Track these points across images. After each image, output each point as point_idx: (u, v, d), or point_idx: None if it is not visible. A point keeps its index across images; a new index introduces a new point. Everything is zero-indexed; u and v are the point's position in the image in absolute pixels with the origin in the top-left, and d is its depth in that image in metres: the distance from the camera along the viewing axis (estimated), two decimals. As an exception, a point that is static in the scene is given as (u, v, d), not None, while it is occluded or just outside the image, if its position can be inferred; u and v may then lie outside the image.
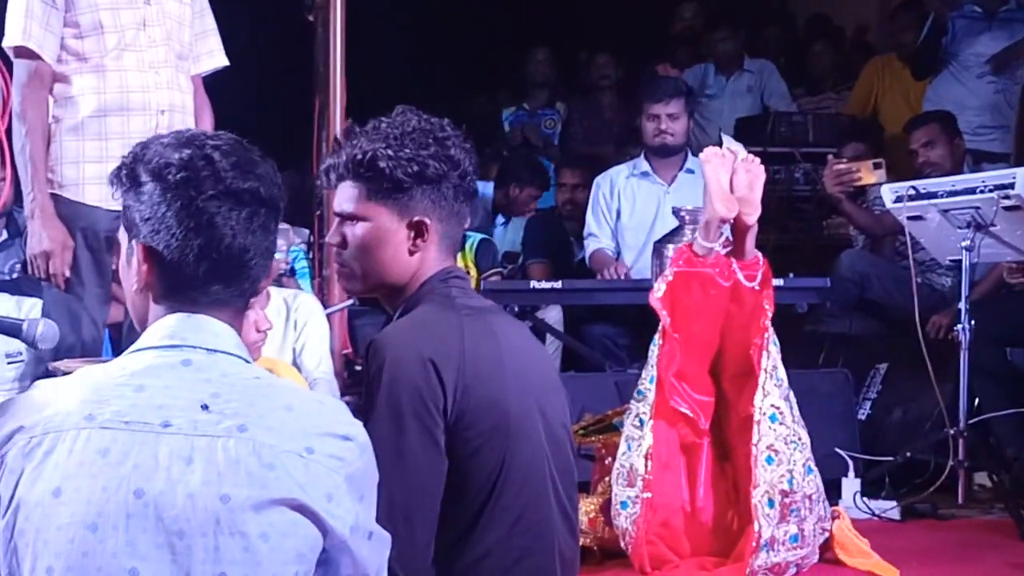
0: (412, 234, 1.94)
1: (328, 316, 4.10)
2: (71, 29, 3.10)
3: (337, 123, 4.39)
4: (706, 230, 2.91)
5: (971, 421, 3.57)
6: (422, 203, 1.93)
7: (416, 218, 1.94)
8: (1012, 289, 4.20)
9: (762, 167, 3.03)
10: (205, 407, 1.32)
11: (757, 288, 2.89)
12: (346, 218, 1.97)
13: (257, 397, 1.35)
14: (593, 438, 3.21)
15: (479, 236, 5.18)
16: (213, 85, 3.52)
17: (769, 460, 2.78)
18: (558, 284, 4.08)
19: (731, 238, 2.99)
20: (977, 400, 3.84)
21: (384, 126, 1.95)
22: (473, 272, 5.05)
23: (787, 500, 2.75)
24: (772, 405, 2.82)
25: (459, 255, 5.04)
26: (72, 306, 3.10)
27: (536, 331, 4.56)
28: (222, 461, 1.29)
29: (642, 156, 4.64)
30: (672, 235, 3.89)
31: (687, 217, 3.79)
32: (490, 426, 1.84)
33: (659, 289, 2.90)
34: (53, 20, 3.07)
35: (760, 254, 3.01)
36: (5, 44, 3.12)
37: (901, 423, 4.06)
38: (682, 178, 4.55)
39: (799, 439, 2.82)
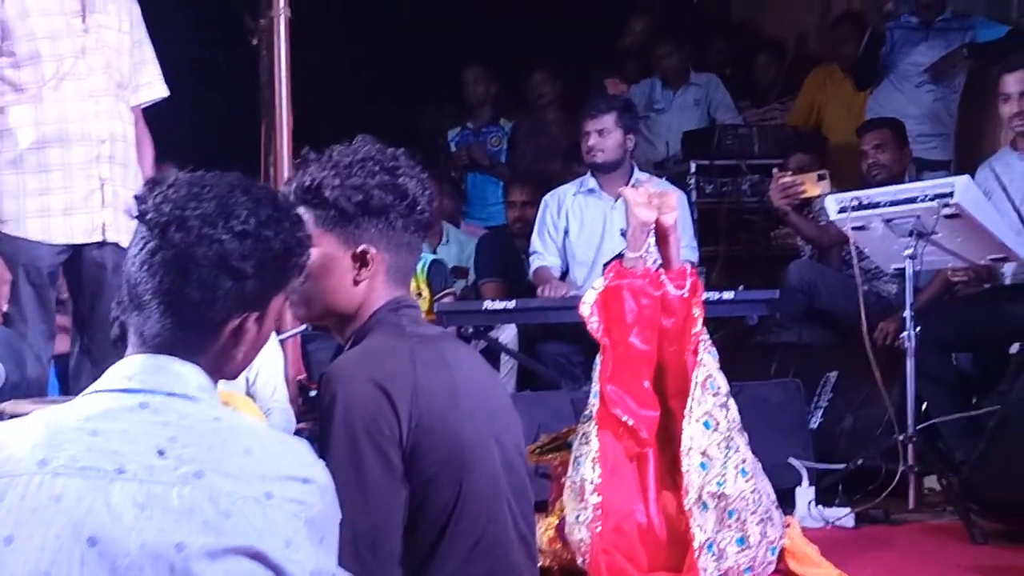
0: (357, 264, 1.94)
1: (281, 343, 4.09)
2: (6, 59, 3.08)
3: (284, 146, 4.39)
4: (632, 240, 2.95)
5: (920, 426, 3.64)
6: (368, 233, 1.93)
7: (361, 248, 1.93)
8: (956, 295, 4.28)
9: (674, 196, 3.09)
10: (161, 452, 1.31)
11: (686, 296, 2.91)
12: None
13: (215, 441, 1.34)
14: (550, 456, 3.23)
15: (430, 257, 5.19)
16: (158, 110, 3.50)
17: (703, 466, 2.81)
18: (511, 304, 4.10)
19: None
20: (925, 405, 3.91)
21: (335, 154, 1.96)
22: (426, 293, 5.06)
23: (722, 503, 2.77)
24: (705, 412, 2.85)
25: (412, 276, 5.10)
26: (15, 344, 3.06)
27: (490, 351, 4.59)
28: (177, 508, 1.27)
29: (588, 173, 4.68)
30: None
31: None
32: (445, 454, 1.84)
33: (587, 301, 2.93)
34: None
35: (689, 264, 3.07)
36: None
37: (852, 430, 4.11)
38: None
39: (735, 445, 2.85)
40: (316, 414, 1.93)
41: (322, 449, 1.83)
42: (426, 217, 2.00)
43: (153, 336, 1.40)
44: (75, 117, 3.11)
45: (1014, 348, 4.06)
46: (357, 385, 1.82)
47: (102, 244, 3.21)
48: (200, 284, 1.38)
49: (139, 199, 1.43)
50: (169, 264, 1.38)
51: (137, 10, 3.35)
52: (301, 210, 1.92)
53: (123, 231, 3.17)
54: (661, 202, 2.94)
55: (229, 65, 5.02)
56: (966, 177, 3.70)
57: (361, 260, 1.94)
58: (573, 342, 4.33)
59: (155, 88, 3.39)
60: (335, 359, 1.98)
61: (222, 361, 1.44)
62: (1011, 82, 4.04)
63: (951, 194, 3.56)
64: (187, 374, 1.39)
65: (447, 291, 5.08)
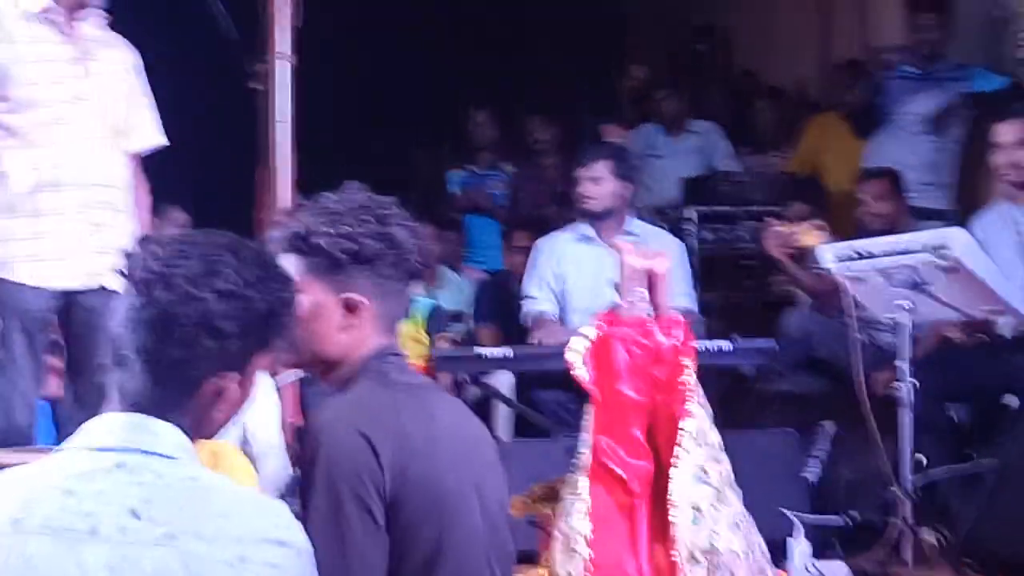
0: (345, 312, 1.95)
1: (278, 387, 4.08)
2: (2, 104, 3.08)
3: (288, 190, 4.39)
4: (624, 289, 2.94)
5: (915, 479, 3.61)
6: (357, 281, 1.94)
7: (350, 296, 1.94)
8: (954, 345, 4.27)
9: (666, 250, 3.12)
10: (135, 514, 1.30)
11: (677, 345, 2.91)
12: None
13: (191, 502, 1.33)
14: (541, 505, 3.21)
15: (430, 302, 5.19)
16: (160, 155, 3.51)
17: (694, 521, 2.79)
18: (508, 352, 4.09)
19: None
20: (921, 457, 3.89)
21: (326, 202, 1.97)
22: (425, 339, 5.05)
23: (713, 559, 2.75)
24: (696, 465, 2.83)
25: (410, 322, 5.12)
26: (3, 390, 3.06)
27: (486, 397, 4.58)
28: (150, 572, 1.27)
29: (585, 220, 4.68)
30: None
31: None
32: (425, 505, 1.84)
33: (576, 349, 2.91)
34: None
35: (681, 312, 3.07)
36: None
37: (849, 481, 4.09)
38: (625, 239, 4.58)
39: (727, 500, 2.83)
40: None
41: (303, 500, 1.83)
42: (416, 266, 2.01)
43: (133, 393, 1.40)
44: (69, 162, 3.12)
45: (1011, 401, 4.04)
46: (341, 436, 1.82)
47: (96, 290, 3.20)
48: (181, 343, 1.38)
49: (127, 256, 1.44)
50: (152, 322, 1.39)
51: (136, 58, 3.37)
52: (291, 257, 1.94)
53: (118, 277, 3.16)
54: (652, 252, 2.95)
55: (231, 109, 5.05)
56: (962, 229, 3.70)
57: (350, 308, 1.95)
58: (569, 389, 4.30)
59: (151, 136, 3.40)
60: (321, 407, 1.98)
61: (202, 420, 1.44)
62: (1003, 132, 4.06)
63: (947, 245, 3.56)
64: (165, 433, 1.39)
65: (444, 335, 5.08)
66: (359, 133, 6.45)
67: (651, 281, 2.93)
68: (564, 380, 4.30)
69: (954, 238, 3.56)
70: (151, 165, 3.51)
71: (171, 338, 1.38)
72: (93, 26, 3.23)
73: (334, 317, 1.94)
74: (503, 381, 4.72)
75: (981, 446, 4.04)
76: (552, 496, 3.19)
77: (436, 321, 5.11)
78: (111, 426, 1.39)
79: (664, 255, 3.00)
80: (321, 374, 2.02)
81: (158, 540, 1.28)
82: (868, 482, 3.95)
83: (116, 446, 1.37)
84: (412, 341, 5.05)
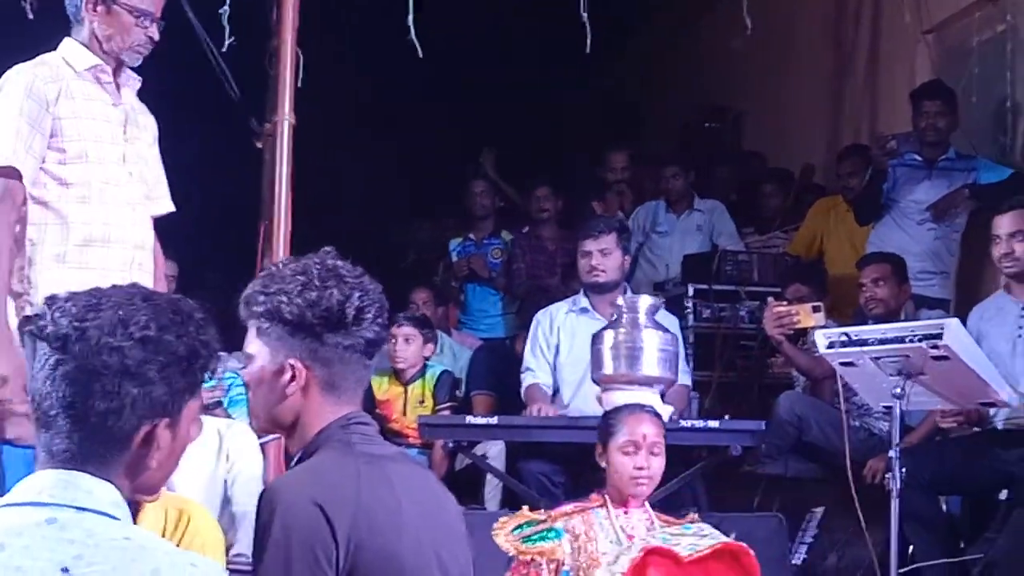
0: (287, 377, 1.94)
1: (262, 446, 4.05)
2: (55, 154, 3.11)
3: (282, 250, 4.41)
4: None
5: (903, 570, 3.55)
6: (298, 347, 1.93)
7: (289, 361, 1.93)
8: (947, 436, 4.22)
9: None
10: (65, 570, 1.28)
11: None
12: (247, 356, 1.98)
13: (123, 560, 1.31)
14: (531, 548, 3.19)
15: (440, 368, 5.19)
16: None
17: None
18: (494, 420, 4.07)
19: None
20: (912, 548, 3.83)
21: (281, 267, 1.98)
22: (430, 403, 5.04)
23: None
24: None
25: (419, 383, 5.12)
26: None
27: (473, 466, 4.54)
28: None
29: (581, 292, 4.68)
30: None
31: None
32: None
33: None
34: (37, 144, 3.08)
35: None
36: None
37: (836, 569, 4.03)
38: (621, 314, 4.56)
39: None
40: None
41: (255, 566, 1.81)
42: (372, 336, 1.97)
43: (62, 451, 1.39)
44: (117, 221, 3.15)
45: (1003, 494, 3.99)
46: (297, 505, 1.80)
47: None
48: (104, 394, 1.37)
49: (37, 316, 1.43)
50: (72, 376, 1.38)
51: (155, 126, 3.42)
52: (250, 321, 1.94)
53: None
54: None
55: (234, 167, 5.09)
56: (955, 320, 3.68)
57: (289, 374, 1.94)
58: (555, 461, 4.28)
59: (166, 203, 3.46)
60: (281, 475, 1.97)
61: (136, 472, 1.42)
62: (1002, 224, 4.05)
63: (940, 335, 3.53)
64: (98, 490, 1.38)
65: (448, 404, 5.06)
66: (359, 200, 6.51)
67: None
68: (550, 451, 4.32)
69: (947, 328, 3.53)
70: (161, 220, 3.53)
71: (94, 390, 1.37)
72: (130, 91, 3.29)
73: (276, 382, 1.94)
74: (494, 450, 4.69)
75: (972, 540, 3.97)
76: (543, 535, 3.23)
77: (443, 388, 5.10)
78: (43, 483, 1.38)
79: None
80: (285, 439, 2.01)
81: None
82: (855, 570, 3.89)
83: (48, 501, 1.35)
84: (417, 404, 5.05)
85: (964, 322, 4.08)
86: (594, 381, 3.91)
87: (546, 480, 4.26)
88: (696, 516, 3.32)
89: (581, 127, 7.19)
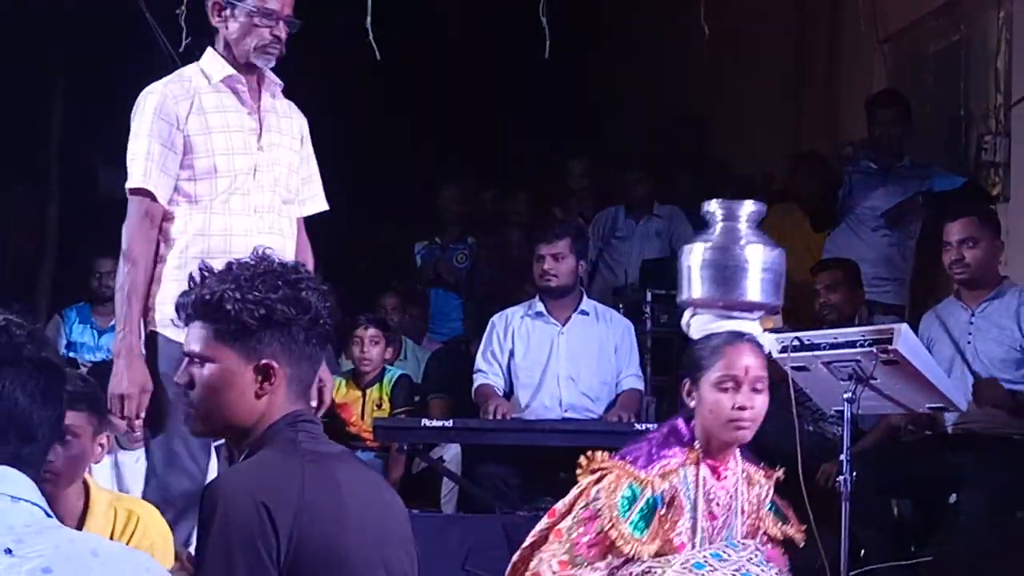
0: (259, 378, 1.94)
1: (216, 448, 4.04)
2: (185, 171, 3.11)
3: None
4: None
5: (853, 573, 3.59)
6: (270, 347, 1.94)
7: (263, 361, 1.94)
8: (898, 440, 4.27)
9: None
10: (8, 551, 1.33)
11: None
12: (194, 358, 1.97)
13: (62, 541, 1.36)
14: None
15: (398, 371, 5.20)
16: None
17: None
18: (450, 423, 4.08)
19: None
20: (863, 551, 3.86)
21: (236, 268, 1.99)
22: (387, 407, 5.04)
23: None
24: None
25: (377, 387, 5.13)
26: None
27: (430, 469, 4.55)
28: None
29: (537, 297, 4.70)
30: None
31: None
32: (327, 574, 1.82)
33: None
34: (170, 163, 3.08)
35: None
36: (127, 185, 3.11)
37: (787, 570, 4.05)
38: (576, 319, 4.61)
39: None
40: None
41: (197, 561, 1.82)
42: (327, 329, 2.01)
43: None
44: (239, 231, 3.11)
45: (952, 498, 4.04)
46: (239, 501, 1.81)
47: None
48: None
49: None
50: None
51: (306, 126, 3.37)
52: (198, 324, 1.94)
53: None
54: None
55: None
56: (905, 325, 3.72)
57: (264, 374, 1.94)
58: (510, 463, 4.30)
59: (319, 202, 3.41)
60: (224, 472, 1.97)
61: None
62: (953, 231, 4.11)
63: (890, 340, 3.57)
64: (23, 483, 1.42)
65: (406, 408, 5.07)
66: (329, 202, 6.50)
67: None
68: (506, 454, 4.34)
69: (898, 333, 3.57)
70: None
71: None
72: (270, 96, 3.25)
73: (248, 384, 1.94)
74: (451, 452, 4.70)
75: (922, 542, 4.02)
76: None
77: (401, 391, 5.11)
78: None
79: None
80: (232, 441, 2.02)
81: (32, 572, 1.31)
82: (806, 572, 3.92)
83: None
84: (375, 407, 5.05)
85: (917, 328, 4.14)
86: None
87: (501, 483, 4.28)
88: (781, 474, 3.06)
89: (542, 130, 7.21)
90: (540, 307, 4.67)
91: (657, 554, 2.71)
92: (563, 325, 4.60)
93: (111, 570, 1.34)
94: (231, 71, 3.15)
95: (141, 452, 4.04)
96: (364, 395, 5.10)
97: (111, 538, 2.60)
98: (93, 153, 6.66)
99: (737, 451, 2.85)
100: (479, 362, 4.68)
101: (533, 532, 2.79)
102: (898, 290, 5.38)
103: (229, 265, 2.00)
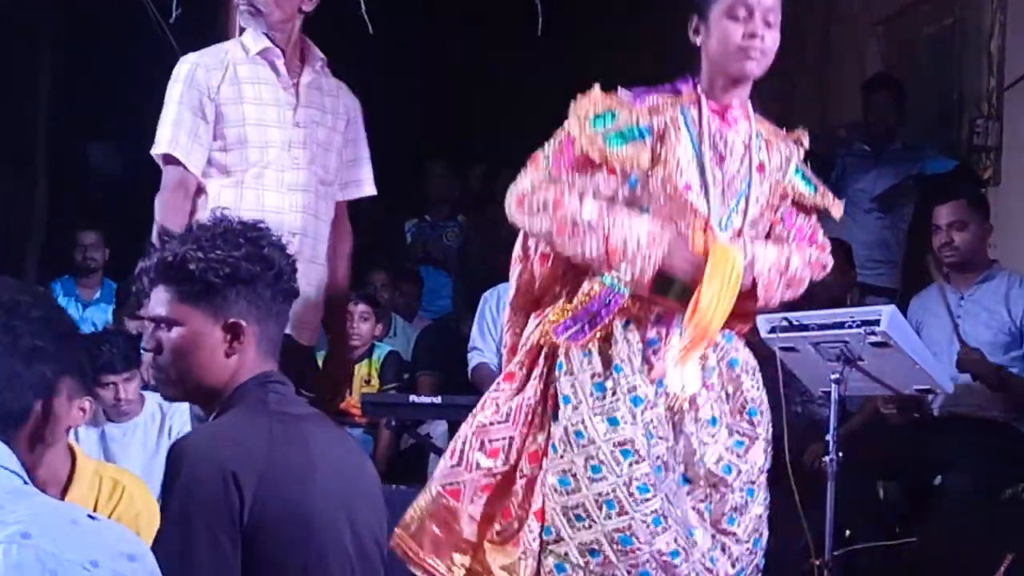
0: (228, 336, 1.94)
1: (194, 415, 4.04)
2: (218, 142, 3.08)
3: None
4: None
5: (837, 552, 3.60)
6: (237, 305, 1.94)
7: (231, 320, 1.94)
8: (885, 422, 4.28)
9: None
10: None
11: None
12: (159, 322, 1.96)
13: (41, 509, 1.37)
14: None
15: (388, 348, 5.19)
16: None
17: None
18: (437, 399, 4.08)
19: None
20: (848, 532, 3.88)
21: (196, 229, 1.99)
22: (376, 383, 5.04)
23: None
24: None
25: (366, 363, 5.11)
26: None
27: (418, 446, 4.55)
28: (3, 566, 1.29)
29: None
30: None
31: None
32: (291, 536, 1.83)
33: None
34: (202, 131, 3.06)
35: None
36: (153, 151, 3.08)
37: (771, 552, 4.06)
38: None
39: None
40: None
41: (161, 519, 1.85)
42: (292, 286, 2.02)
43: None
44: (271, 207, 3.06)
45: (938, 480, 4.05)
46: (203, 464, 1.81)
47: None
48: None
49: None
50: None
51: (358, 108, 3.33)
52: (161, 288, 1.93)
53: (304, 326, 3.12)
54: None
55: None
56: (892, 306, 3.73)
57: (233, 332, 1.94)
58: (498, 443, 4.29)
59: (363, 187, 3.36)
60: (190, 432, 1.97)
61: (32, 445, 1.48)
62: (942, 214, 4.11)
63: (878, 322, 3.58)
64: (3, 451, 1.42)
65: (394, 384, 5.07)
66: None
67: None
68: (494, 432, 4.32)
69: (886, 315, 3.58)
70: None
71: None
72: (312, 73, 3.20)
73: (217, 343, 1.94)
74: (438, 430, 4.70)
75: (907, 524, 4.04)
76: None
77: (391, 368, 5.10)
78: None
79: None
80: (203, 402, 2.01)
81: (12, 538, 1.31)
82: (790, 553, 3.93)
83: None
84: (363, 383, 5.04)
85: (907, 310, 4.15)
86: None
87: (489, 460, 4.27)
88: (805, 136, 2.78)
89: (537, 111, 7.19)
90: (530, 282, 4.65)
91: (663, 186, 2.45)
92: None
93: (90, 540, 1.35)
94: (267, 45, 3.11)
95: (129, 424, 4.05)
96: (353, 371, 5.09)
97: (95, 507, 2.60)
98: (81, 127, 6.62)
99: (749, 105, 2.61)
100: (475, 339, 4.67)
101: None
102: (891, 272, 5.39)
103: (189, 227, 2.02)
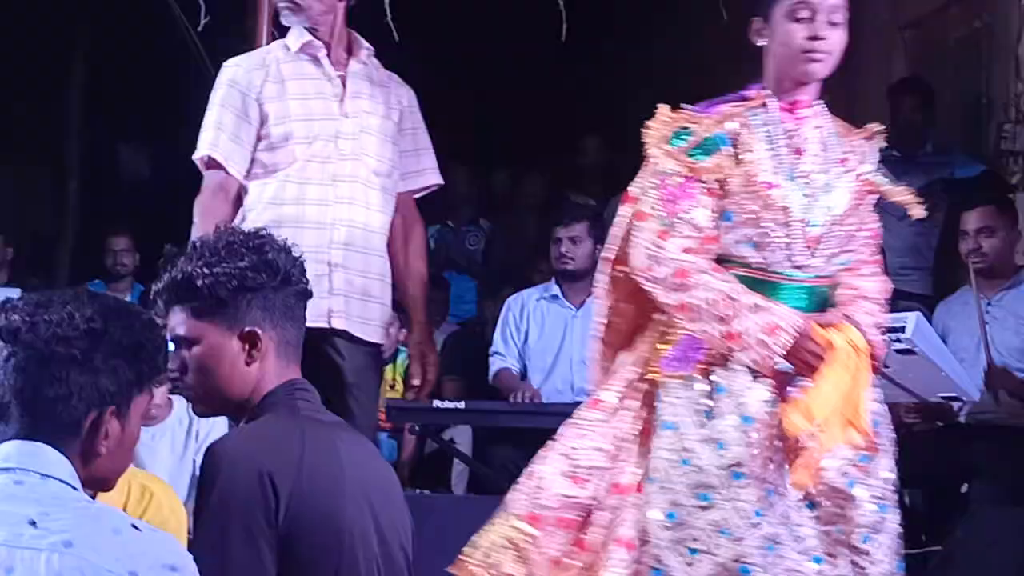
0: (246, 346, 1.97)
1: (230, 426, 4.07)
2: (263, 142, 3.05)
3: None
4: None
5: (862, 561, 3.58)
6: (249, 314, 1.97)
7: (247, 329, 1.97)
8: (910, 430, 4.25)
9: None
10: (33, 523, 1.37)
11: None
12: (181, 343, 2.00)
13: (86, 518, 1.40)
14: None
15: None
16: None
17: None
18: (461, 404, 4.09)
19: None
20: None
21: (199, 245, 2.02)
22: (400, 387, 5.04)
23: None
24: None
25: (391, 368, 5.12)
26: None
27: (441, 451, 4.56)
28: (45, 573, 1.33)
29: (553, 280, 4.70)
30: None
31: None
32: (323, 540, 1.86)
33: None
34: (244, 134, 3.04)
35: None
36: (195, 155, 3.07)
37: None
38: (591, 304, 4.57)
39: None
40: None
41: (194, 523, 1.87)
42: (303, 287, 2.04)
43: (14, 437, 1.48)
44: (313, 200, 3.03)
45: (964, 488, 4.02)
46: (240, 469, 1.84)
47: (324, 330, 2.99)
48: (53, 380, 1.46)
49: None
50: (23, 365, 1.48)
51: (412, 98, 3.29)
52: (176, 309, 1.96)
53: (354, 319, 3.08)
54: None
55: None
56: (917, 313, 3.71)
57: (250, 341, 1.97)
58: (522, 447, 4.29)
59: (428, 176, 3.31)
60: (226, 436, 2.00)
61: (87, 459, 1.50)
62: (970, 220, 4.09)
63: (903, 329, 3.57)
64: (58, 460, 1.46)
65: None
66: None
67: None
68: (518, 437, 4.33)
69: (910, 321, 3.56)
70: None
71: (43, 377, 1.47)
72: (360, 63, 3.16)
73: (236, 354, 1.97)
74: (462, 435, 4.72)
75: (933, 533, 4.01)
76: None
77: (416, 372, 5.08)
78: (8, 451, 1.47)
79: None
80: (233, 414, 2.03)
81: (55, 546, 1.35)
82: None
83: (14, 466, 1.45)
84: (387, 388, 5.05)
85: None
86: None
87: (512, 465, 4.27)
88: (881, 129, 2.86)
89: (557, 114, 7.18)
90: (556, 290, 4.68)
91: (745, 187, 2.47)
92: (578, 309, 4.60)
93: (132, 550, 1.37)
94: (308, 38, 3.09)
95: (158, 428, 4.07)
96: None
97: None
98: (112, 131, 6.69)
99: (821, 103, 2.62)
100: (497, 344, 4.68)
101: None
102: (924, 279, 5.32)
103: (193, 244, 2.05)
